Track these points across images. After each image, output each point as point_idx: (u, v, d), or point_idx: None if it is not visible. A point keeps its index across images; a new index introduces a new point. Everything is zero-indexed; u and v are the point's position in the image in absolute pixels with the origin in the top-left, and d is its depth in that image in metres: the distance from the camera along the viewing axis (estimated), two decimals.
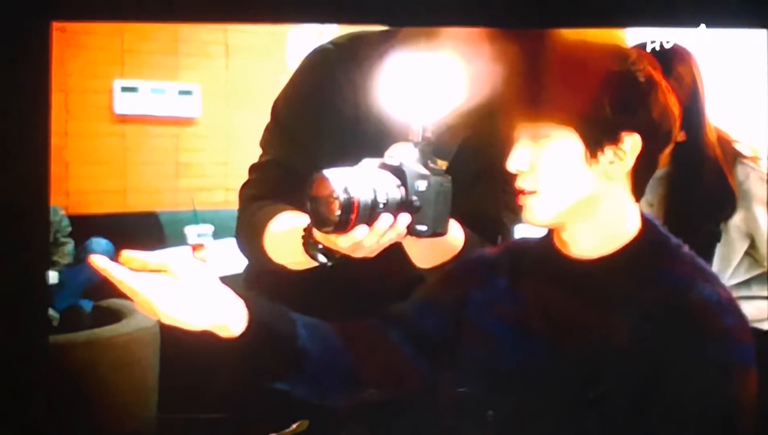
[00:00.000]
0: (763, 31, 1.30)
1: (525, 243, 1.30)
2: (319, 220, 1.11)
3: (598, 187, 1.14)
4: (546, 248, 1.21)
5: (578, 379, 1.14)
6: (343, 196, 1.08)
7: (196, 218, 2.97)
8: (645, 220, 1.18)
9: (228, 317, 1.07)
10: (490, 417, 1.19)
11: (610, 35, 1.21)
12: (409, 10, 1.41)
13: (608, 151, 1.13)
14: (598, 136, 1.12)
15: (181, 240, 2.85)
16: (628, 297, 1.14)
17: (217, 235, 2.85)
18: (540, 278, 1.20)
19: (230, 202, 3.18)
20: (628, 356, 1.12)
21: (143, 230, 3.16)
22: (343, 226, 1.09)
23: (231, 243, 2.85)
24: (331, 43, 1.35)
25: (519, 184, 1.16)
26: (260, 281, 1.43)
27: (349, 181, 1.09)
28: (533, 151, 1.15)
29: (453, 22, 1.31)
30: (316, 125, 1.33)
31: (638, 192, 1.17)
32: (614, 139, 1.13)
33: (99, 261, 1.02)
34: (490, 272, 1.24)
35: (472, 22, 1.30)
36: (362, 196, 1.09)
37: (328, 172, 1.09)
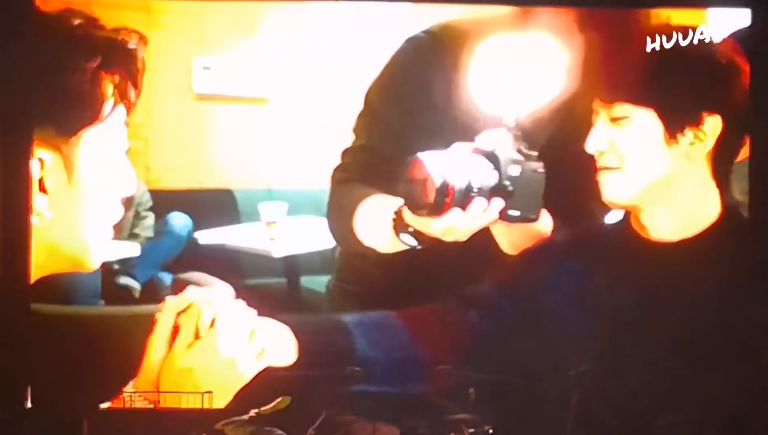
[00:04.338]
0: (747, 10, 1.25)
1: (600, 227, 1.30)
2: (414, 203, 1.12)
3: (677, 167, 1.14)
4: (624, 231, 1.21)
5: (657, 360, 1.14)
6: (438, 180, 1.08)
7: (270, 195, 3.02)
8: (726, 204, 1.17)
9: (278, 352, 1.08)
10: (471, 395, 1.19)
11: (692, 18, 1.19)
12: None
13: (688, 133, 1.12)
14: (678, 117, 1.12)
15: (254, 217, 2.90)
16: (710, 280, 1.14)
17: (290, 212, 2.89)
18: (618, 261, 1.20)
19: (304, 181, 3.23)
20: (708, 339, 1.12)
21: (218, 206, 3.22)
22: (437, 209, 1.09)
23: (303, 220, 2.90)
24: (424, 32, 1.36)
25: (600, 163, 1.16)
26: (349, 262, 1.46)
27: (444, 164, 1.09)
28: (612, 131, 1.15)
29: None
30: (409, 111, 1.34)
31: (720, 175, 1.16)
32: (695, 121, 1.12)
33: None
34: (564, 256, 1.23)
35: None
36: (457, 179, 1.09)
37: (423, 156, 1.10)
